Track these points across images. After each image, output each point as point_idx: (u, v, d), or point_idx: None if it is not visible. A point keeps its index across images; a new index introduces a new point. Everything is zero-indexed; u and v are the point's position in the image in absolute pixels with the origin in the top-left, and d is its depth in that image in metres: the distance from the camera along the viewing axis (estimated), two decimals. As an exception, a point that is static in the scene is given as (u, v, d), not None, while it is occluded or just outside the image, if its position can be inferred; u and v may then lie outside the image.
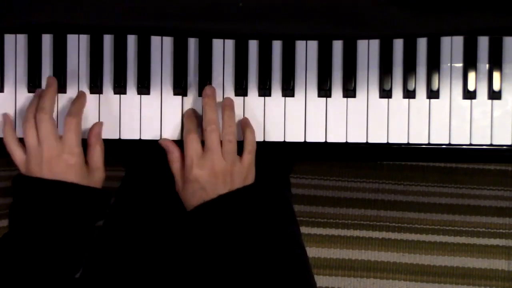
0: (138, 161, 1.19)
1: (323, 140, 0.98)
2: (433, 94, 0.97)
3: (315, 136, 0.98)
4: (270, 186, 1.17)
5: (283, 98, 0.98)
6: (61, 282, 0.90)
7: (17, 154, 0.94)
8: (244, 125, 0.96)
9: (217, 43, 0.98)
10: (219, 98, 0.98)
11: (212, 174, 0.91)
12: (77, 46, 0.99)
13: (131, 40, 0.99)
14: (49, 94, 0.94)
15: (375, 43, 0.98)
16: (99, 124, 0.97)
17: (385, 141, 0.98)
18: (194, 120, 0.96)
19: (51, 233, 0.90)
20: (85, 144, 0.95)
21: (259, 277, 0.88)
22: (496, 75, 0.97)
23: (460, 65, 0.98)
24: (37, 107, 0.94)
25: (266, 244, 0.91)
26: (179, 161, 0.94)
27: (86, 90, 0.98)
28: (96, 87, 0.98)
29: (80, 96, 0.97)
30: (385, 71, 0.98)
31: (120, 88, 0.98)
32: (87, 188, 0.93)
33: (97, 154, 0.95)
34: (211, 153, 0.91)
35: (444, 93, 0.98)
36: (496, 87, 0.97)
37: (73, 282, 0.92)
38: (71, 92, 0.98)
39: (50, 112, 0.93)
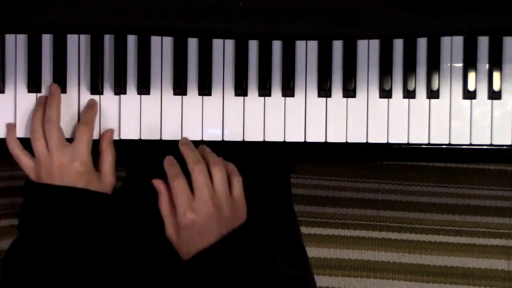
0: (139, 161, 1.19)
1: (323, 140, 0.98)
2: (433, 94, 0.97)
3: (315, 136, 0.98)
4: (271, 186, 1.17)
5: (283, 98, 0.98)
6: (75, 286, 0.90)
7: (25, 162, 0.95)
8: (223, 161, 0.92)
9: (217, 43, 0.98)
10: (219, 98, 0.98)
11: (207, 215, 0.87)
12: (77, 46, 0.99)
13: (131, 40, 0.99)
14: (55, 103, 0.95)
15: (375, 43, 0.98)
16: (111, 130, 0.97)
17: (385, 141, 0.98)
18: (176, 164, 0.91)
19: (64, 238, 0.90)
20: (95, 145, 0.96)
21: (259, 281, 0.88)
22: (496, 75, 0.97)
23: (460, 65, 0.98)
24: (44, 116, 0.94)
25: (265, 272, 0.89)
26: (168, 204, 0.89)
27: (86, 90, 0.98)
28: (96, 87, 0.98)
29: (93, 105, 0.98)
30: (385, 71, 0.98)
31: (120, 88, 0.98)
32: (97, 194, 0.94)
33: (108, 160, 0.96)
34: (202, 193, 0.87)
35: (444, 93, 0.98)
36: (496, 87, 0.97)
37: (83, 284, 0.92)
38: (71, 92, 0.98)
39: (58, 122, 0.95)
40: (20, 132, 0.98)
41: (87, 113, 0.97)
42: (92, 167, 0.95)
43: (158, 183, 0.90)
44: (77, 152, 0.93)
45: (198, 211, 0.86)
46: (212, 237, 0.86)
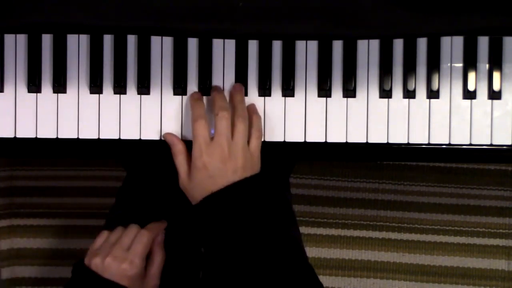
0: (139, 161, 1.19)
1: (323, 140, 0.98)
2: (433, 94, 0.97)
3: (315, 136, 0.98)
4: (271, 187, 1.16)
5: (283, 98, 0.98)
6: None
7: (96, 243, 0.97)
8: (250, 111, 0.96)
9: (217, 43, 0.99)
10: (219, 98, 0.98)
11: (221, 161, 0.90)
12: (77, 46, 0.99)
13: (131, 40, 0.99)
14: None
15: (375, 43, 0.98)
16: (162, 234, 0.99)
17: (385, 141, 0.98)
18: (202, 105, 0.95)
19: None
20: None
21: (262, 275, 0.88)
22: (496, 75, 0.97)
23: (460, 65, 0.98)
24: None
25: (271, 241, 0.90)
26: (183, 153, 0.94)
27: (86, 90, 0.98)
28: (96, 87, 0.98)
29: (164, 222, 1.00)
30: (385, 71, 0.98)
31: (120, 88, 0.98)
32: None
33: (157, 263, 0.97)
34: (221, 139, 0.90)
35: (444, 93, 0.98)
36: (496, 87, 0.97)
37: None
38: (71, 92, 0.98)
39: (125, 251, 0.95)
40: (20, 133, 0.98)
41: (155, 225, 0.98)
42: (142, 268, 0.95)
43: (170, 136, 0.95)
44: (132, 253, 0.94)
45: (213, 155, 0.90)
46: (223, 182, 0.89)
